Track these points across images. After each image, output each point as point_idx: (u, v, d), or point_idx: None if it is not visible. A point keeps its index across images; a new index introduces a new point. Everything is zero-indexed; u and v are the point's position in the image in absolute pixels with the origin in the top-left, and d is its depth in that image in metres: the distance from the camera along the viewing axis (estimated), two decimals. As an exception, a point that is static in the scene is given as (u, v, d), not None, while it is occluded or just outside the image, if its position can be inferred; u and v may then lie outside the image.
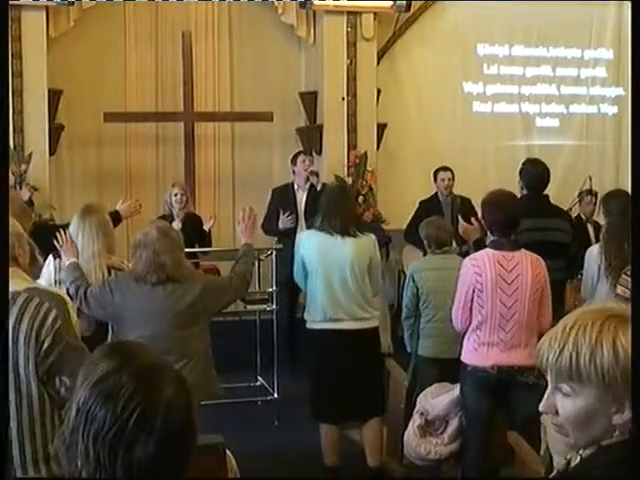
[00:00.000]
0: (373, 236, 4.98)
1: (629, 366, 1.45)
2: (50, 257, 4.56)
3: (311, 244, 4.83)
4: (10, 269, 3.03)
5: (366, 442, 4.97)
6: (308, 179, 7.23)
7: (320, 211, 4.89)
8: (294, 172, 7.37)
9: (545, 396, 1.56)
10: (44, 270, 4.42)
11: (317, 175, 7.19)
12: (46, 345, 2.95)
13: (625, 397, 1.46)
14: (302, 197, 7.23)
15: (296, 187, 7.27)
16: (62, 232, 4.42)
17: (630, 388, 1.47)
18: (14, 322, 2.94)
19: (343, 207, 4.84)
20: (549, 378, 1.54)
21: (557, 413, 1.54)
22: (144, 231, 4.08)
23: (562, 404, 1.52)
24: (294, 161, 7.39)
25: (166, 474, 1.48)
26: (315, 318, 4.84)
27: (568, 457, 1.60)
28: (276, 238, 7.13)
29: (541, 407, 1.57)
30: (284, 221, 7.08)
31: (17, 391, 2.98)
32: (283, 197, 7.23)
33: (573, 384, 1.49)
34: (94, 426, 1.45)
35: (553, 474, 1.76)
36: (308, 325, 4.93)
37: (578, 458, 1.54)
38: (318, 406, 4.93)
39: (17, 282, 3.05)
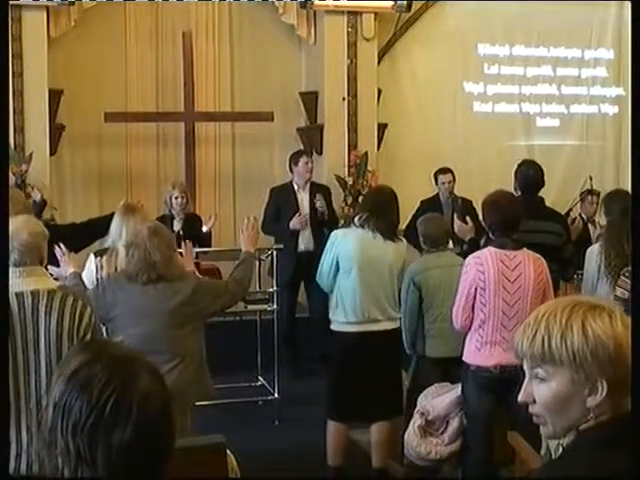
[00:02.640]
0: (405, 241, 5.02)
1: (599, 347, 1.52)
2: (92, 256, 4.60)
3: (348, 242, 4.77)
4: (37, 269, 3.17)
5: (377, 442, 4.92)
6: (308, 180, 7.22)
7: (364, 209, 4.87)
8: (292, 171, 7.33)
9: (523, 386, 1.62)
10: (85, 268, 4.48)
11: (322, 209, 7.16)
12: (88, 340, 3.05)
13: (597, 378, 1.52)
14: (303, 197, 7.21)
15: (296, 187, 7.26)
16: (58, 246, 4.46)
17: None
18: (57, 319, 3.04)
19: (391, 210, 4.86)
20: (525, 366, 1.61)
21: (534, 401, 1.59)
22: (135, 231, 4.13)
23: (538, 390, 1.58)
24: (295, 161, 7.34)
25: (146, 462, 1.48)
26: (350, 319, 4.77)
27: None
28: (273, 238, 7.12)
29: (520, 397, 1.62)
30: (295, 223, 7.05)
31: None
32: (283, 197, 7.20)
33: (547, 367, 1.56)
34: (72, 419, 1.45)
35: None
36: (336, 327, 4.85)
37: (560, 448, 1.59)
38: (339, 406, 4.87)
39: (45, 281, 3.19)
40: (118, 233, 4.60)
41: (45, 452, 1.51)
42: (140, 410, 1.46)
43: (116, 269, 4.54)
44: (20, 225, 3.17)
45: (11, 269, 3.07)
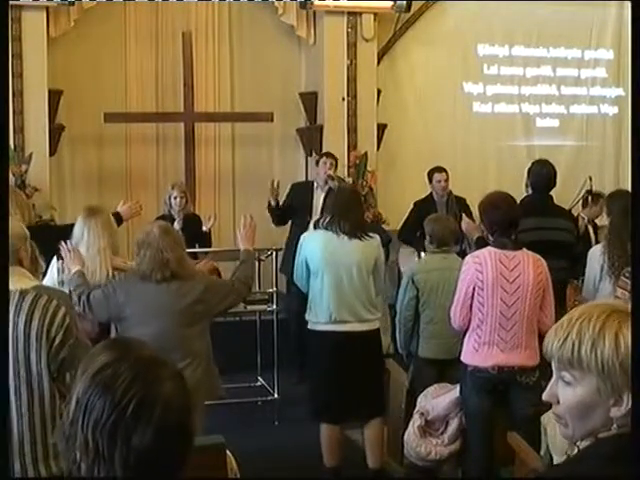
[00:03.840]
0: (378, 237, 5.00)
1: (629, 360, 1.49)
2: (54, 258, 4.59)
3: (316, 245, 4.82)
4: (15, 269, 3.10)
5: (367, 443, 4.96)
6: (327, 181, 7.19)
7: (329, 211, 4.88)
8: (316, 172, 7.32)
9: (549, 386, 1.60)
10: (48, 271, 4.46)
11: (333, 179, 7.14)
12: (57, 341, 3.04)
13: (624, 390, 1.50)
14: (320, 196, 7.14)
15: (315, 185, 7.23)
16: (64, 243, 4.46)
17: (630, 386, 1.49)
18: (25, 319, 3.02)
19: (354, 210, 4.86)
20: (553, 367, 1.59)
21: (558, 402, 1.58)
22: (146, 230, 4.13)
23: (563, 393, 1.57)
24: (317, 161, 7.36)
25: (164, 467, 1.48)
26: (320, 319, 4.82)
27: (568, 453, 1.63)
28: (287, 236, 7.11)
29: (544, 396, 1.61)
30: (270, 197, 7.04)
31: (29, 387, 3.04)
32: (301, 193, 7.18)
33: (574, 372, 1.54)
34: (93, 416, 1.46)
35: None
36: (311, 326, 4.91)
37: (575, 449, 1.57)
38: (320, 407, 4.92)
39: (24, 281, 3.15)
40: (80, 235, 4.59)
41: (63, 444, 1.51)
42: (162, 414, 1.46)
43: (64, 270, 4.53)
44: None
45: None
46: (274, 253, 6.44)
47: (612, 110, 9.51)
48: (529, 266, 4.28)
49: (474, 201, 6.73)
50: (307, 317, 4.94)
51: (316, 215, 7.02)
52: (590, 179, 7.85)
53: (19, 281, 3.11)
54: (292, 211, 7.10)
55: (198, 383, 3.98)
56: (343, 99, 8.24)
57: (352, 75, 8.26)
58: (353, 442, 5.22)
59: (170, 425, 1.48)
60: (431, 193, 7.61)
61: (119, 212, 5.78)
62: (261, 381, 6.59)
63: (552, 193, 5.43)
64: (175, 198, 6.71)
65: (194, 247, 6.40)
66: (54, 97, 7.73)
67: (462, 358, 4.41)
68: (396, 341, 5.43)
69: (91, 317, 4.22)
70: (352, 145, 8.26)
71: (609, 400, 1.51)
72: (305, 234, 5.05)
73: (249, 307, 6.22)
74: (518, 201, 4.94)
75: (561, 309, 4.59)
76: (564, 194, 7.86)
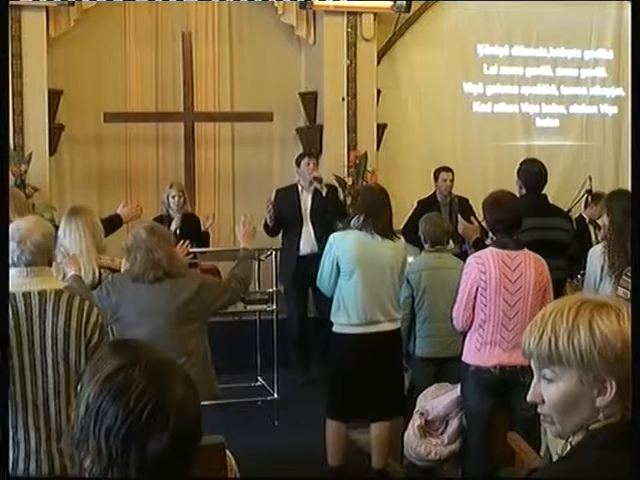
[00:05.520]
0: (403, 239, 5.01)
1: (607, 346, 1.49)
2: None
3: (348, 244, 4.77)
4: (45, 269, 3.17)
5: (375, 442, 4.93)
6: (312, 182, 7.13)
7: (360, 211, 4.84)
8: (298, 173, 7.28)
9: (532, 386, 1.59)
10: None
11: (320, 181, 7.10)
12: (95, 340, 3.13)
13: (606, 378, 1.50)
14: (307, 198, 7.12)
15: (300, 189, 7.17)
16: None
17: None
18: (65, 318, 3.07)
19: (386, 209, 4.87)
20: (533, 366, 1.58)
21: (543, 402, 1.57)
22: (132, 233, 4.20)
23: (547, 391, 1.56)
24: (298, 162, 7.26)
25: (178, 470, 1.48)
26: (352, 320, 4.76)
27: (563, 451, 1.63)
28: (281, 236, 7.10)
29: (528, 397, 1.60)
30: (265, 210, 7.01)
31: (67, 385, 3.08)
32: (287, 198, 7.13)
33: (554, 368, 1.53)
34: (106, 422, 1.44)
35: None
36: (338, 329, 4.83)
37: (569, 446, 1.57)
38: (341, 406, 4.88)
39: (54, 282, 3.27)
40: (62, 235, 4.61)
41: (74, 449, 1.49)
42: (177, 419, 1.46)
43: (64, 274, 4.54)
44: (32, 226, 3.17)
45: (20, 269, 3.08)
46: (274, 253, 6.44)
47: (612, 110, 9.51)
48: (530, 266, 4.29)
49: (473, 201, 6.74)
50: (333, 319, 4.86)
51: (306, 218, 7.00)
52: (590, 179, 7.85)
53: (48, 282, 3.14)
54: (282, 218, 7.03)
55: (194, 382, 3.97)
56: (343, 99, 8.24)
57: (352, 75, 8.26)
58: (354, 442, 5.21)
59: (184, 429, 1.47)
60: (435, 193, 7.61)
61: (119, 214, 5.80)
62: (261, 381, 6.59)
63: (551, 193, 5.44)
64: (173, 197, 6.71)
65: (192, 247, 6.40)
66: (54, 97, 7.73)
67: (463, 358, 4.40)
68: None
69: None
70: (352, 145, 8.26)
71: (593, 390, 1.51)
72: (335, 234, 4.96)
73: (249, 307, 6.22)
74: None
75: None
76: (564, 194, 7.88)
